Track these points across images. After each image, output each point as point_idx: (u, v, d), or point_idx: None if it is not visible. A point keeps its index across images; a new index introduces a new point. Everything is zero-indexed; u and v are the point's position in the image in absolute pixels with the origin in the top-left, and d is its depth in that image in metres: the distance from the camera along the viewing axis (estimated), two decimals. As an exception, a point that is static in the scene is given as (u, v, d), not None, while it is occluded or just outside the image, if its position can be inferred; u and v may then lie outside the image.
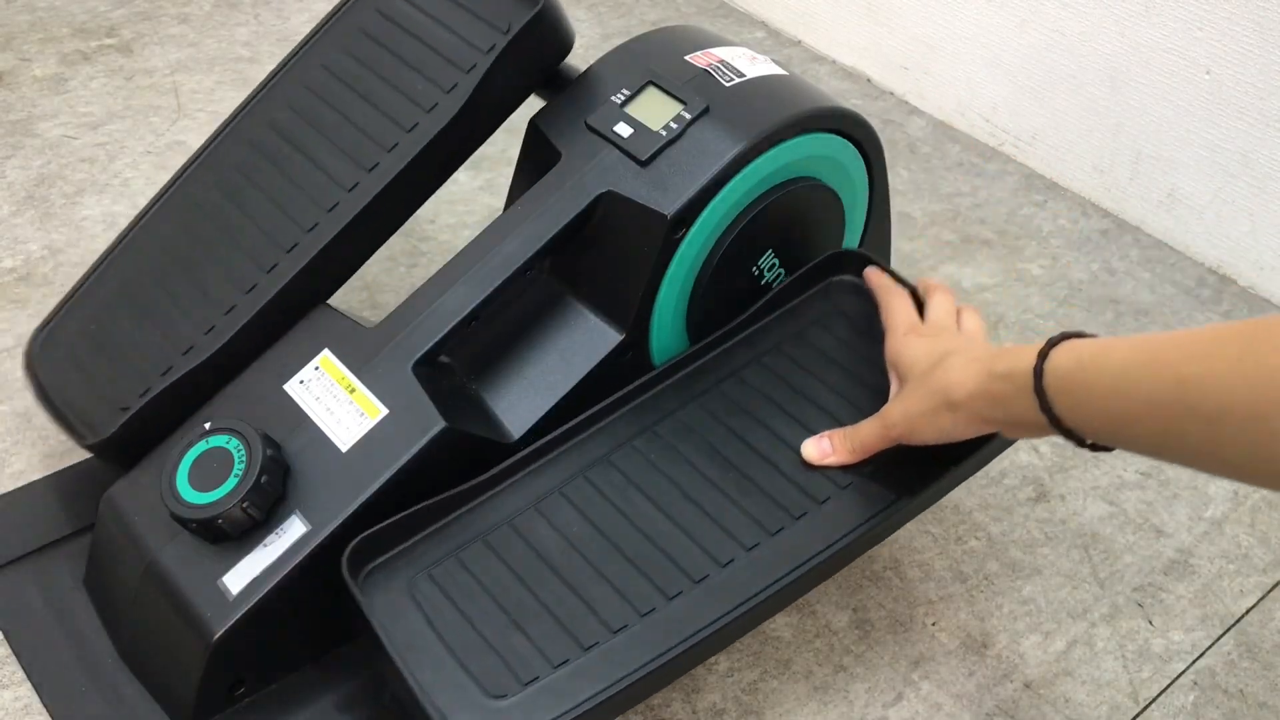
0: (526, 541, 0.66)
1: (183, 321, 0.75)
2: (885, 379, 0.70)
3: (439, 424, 0.67)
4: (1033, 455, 0.90)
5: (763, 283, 0.78)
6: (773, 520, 0.67)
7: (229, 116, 0.81)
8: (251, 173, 0.78)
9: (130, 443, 0.73)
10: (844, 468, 0.68)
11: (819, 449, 0.69)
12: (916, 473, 0.67)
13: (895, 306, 0.71)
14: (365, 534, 0.65)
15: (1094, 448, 0.56)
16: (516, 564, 0.65)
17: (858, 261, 0.77)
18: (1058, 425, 0.55)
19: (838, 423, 0.70)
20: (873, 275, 0.75)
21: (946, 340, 0.66)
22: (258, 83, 0.82)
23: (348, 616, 0.63)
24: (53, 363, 0.78)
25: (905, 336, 0.68)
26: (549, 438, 0.70)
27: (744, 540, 0.66)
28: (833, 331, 0.75)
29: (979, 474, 0.88)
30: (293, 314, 0.75)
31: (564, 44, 0.77)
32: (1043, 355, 0.55)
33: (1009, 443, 0.68)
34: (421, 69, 0.76)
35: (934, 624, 0.78)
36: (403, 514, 0.66)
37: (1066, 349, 0.55)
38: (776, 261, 0.78)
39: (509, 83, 0.76)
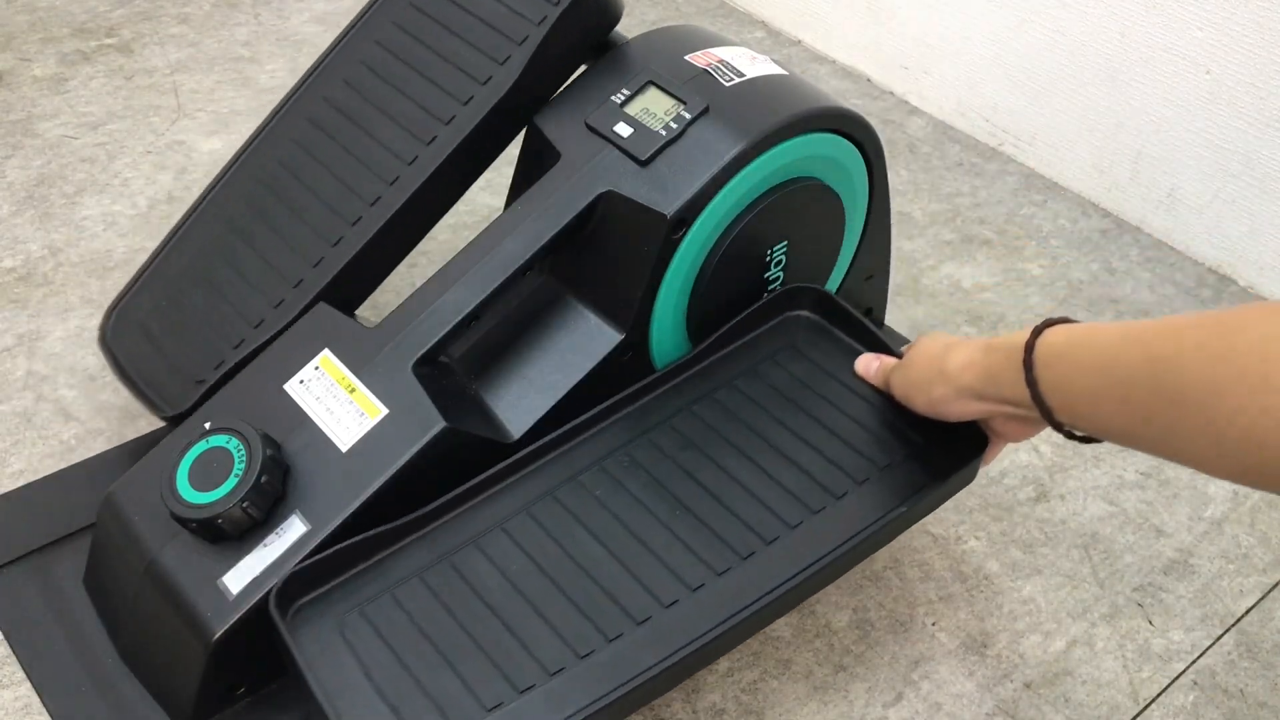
0: (465, 578, 0.64)
1: (252, 295, 0.78)
2: (840, 415, 0.71)
3: (439, 424, 0.67)
4: (1033, 455, 0.90)
5: (768, 276, 0.78)
6: (720, 560, 0.64)
7: (285, 96, 0.83)
8: (312, 149, 0.80)
9: None
10: (796, 504, 0.67)
11: (865, 365, 0.72)
12: (868, 512, 0.66)
13: (884, 363, 0.72)
14: (296, 568, 0.63)
15: (1070, 435, 0.57)
16: (453, 601, 0.63)
17: (814, 298, 0.77)
18: (1039, 402, 0.56)
19: (791, 462, 0.69)
20: (862, 368, 0.74)
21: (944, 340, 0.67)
22: (259, 82, 0.82)
23: (278, 654, 0.62)
24: (127, 339, 0.80)
25: (901, 363, 0.70)
26: (494, 471, 0.68)
27: (689, 580, 0.64)
28: (787, 368, 0.74)
29: (979, 474, 0.88)
30: (359, 286, 0.78)
31: (613, 14, 0.79)
32: (1037, 331, 0.57)
33: (967, 479, 0.69)
34: (473, 42, 0.78)
35: (934, 624, 0.78)
36: (338, 547, 0.64)
37: (1061, 329, 0.57)
38: (784, 259, 0.78)
39: (559, 54, 0.77)
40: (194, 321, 0.79)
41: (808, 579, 0.63)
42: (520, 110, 0.78)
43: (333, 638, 0.62)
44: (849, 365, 0.73)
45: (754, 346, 0.76)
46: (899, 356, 0.71)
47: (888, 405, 0.71)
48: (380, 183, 0.77)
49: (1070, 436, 0.57)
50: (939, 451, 0.68)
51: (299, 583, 0.63)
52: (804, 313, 0.77)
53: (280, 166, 0.81)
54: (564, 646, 0.61)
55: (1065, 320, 0.58)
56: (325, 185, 0.79)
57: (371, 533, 0.65)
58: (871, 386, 0.72)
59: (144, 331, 0.80)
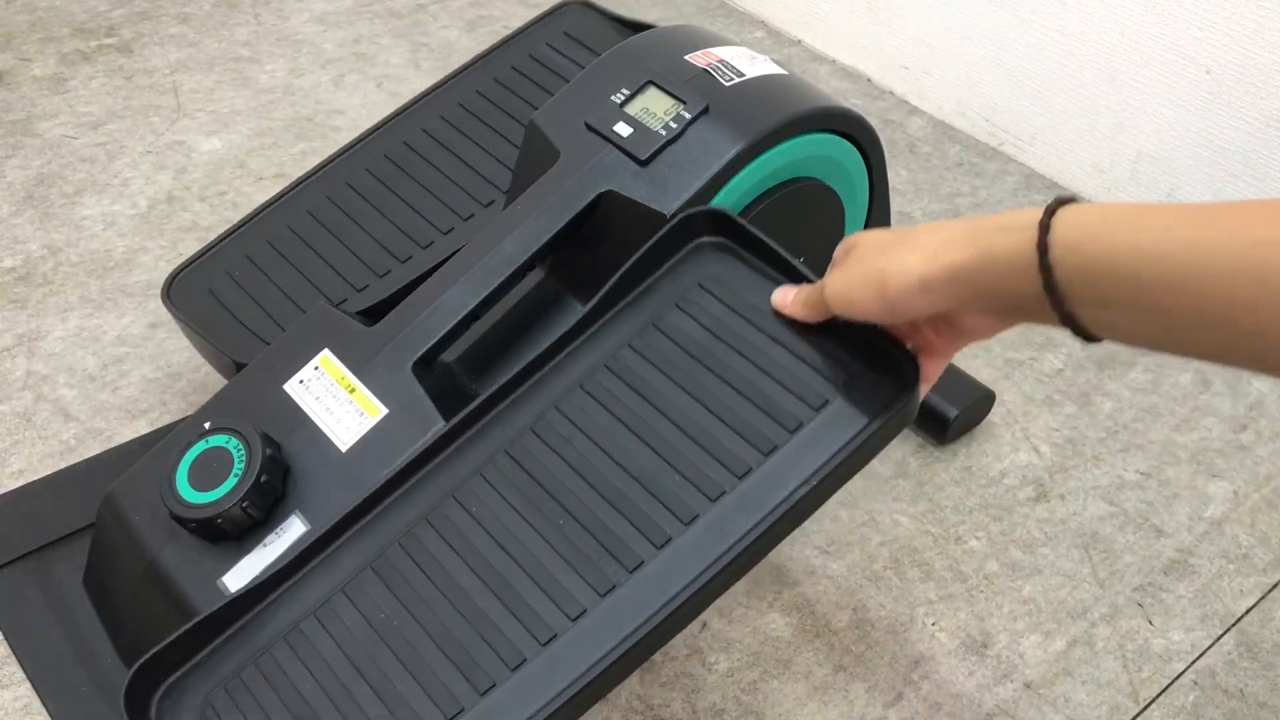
0: (331, 634, 0.59)
1: (334, 278, 0.81)
2: (763, 368, 0.61)
3: (439, 424, 0.67)
4: (1032, 455, 0.90)
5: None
6: (601, 579, 0.57)
7: (379, 122, 0.89)
8: (406, 166, 0.86)
9: None
10: (694, 493, 0.59)
11: (782, 297, 0.62)
12: (769, 495, 0.58)
13: (803, 289, 0.62)
14: (146, 657, 0.58)
15: (1078, 330, 0.47)
16: (319, 664, 0.58)
17: (712, 220, 0.66)
18: (1052, 291, 0.46)
19: (691, 439, 0.60)
20: (779, 300, 0.63)
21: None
22: (259, 82, 0.82)
23: None
24: (190, 296, 0.84)
25: (840, 264, 0.57)
26: (359, 504, 0.63)
27: (569, 610, 0.57)
28: (692, 314, 0.64)
29: (979, 474, 0.88)
30: None
31: None
32: (1050, 211, 0.47)
33: (905, 421, 0.58)
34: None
35: (934, 624, 0.78)
36: (192, 623, 0.60)
37: (1091, 205, 0.46)
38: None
39: None
40: (269, 290, 0.82)
41: (702, 588, 0.56)
42: None
43: None
44: (760, 299, 0.63)
45: (654, 292, 0.65)
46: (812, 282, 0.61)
47: (805, 346, 0.61)
48: (475, 203, 0.82)
49: (1077, 332, 0.47)
50: (863, 394, 0.58)
51: (153, 669, 0.59)
52: (706, 239, 0.66)
53: (371, 176, 0.86)
54: (433, 708, 0.56)
55: (1074, 200, 0.47)
56: (417, 196, 0.84)
57: (230, 596, 0.61)
58: (788, 324, 0.62)
59: (211, 295, 0.83)
